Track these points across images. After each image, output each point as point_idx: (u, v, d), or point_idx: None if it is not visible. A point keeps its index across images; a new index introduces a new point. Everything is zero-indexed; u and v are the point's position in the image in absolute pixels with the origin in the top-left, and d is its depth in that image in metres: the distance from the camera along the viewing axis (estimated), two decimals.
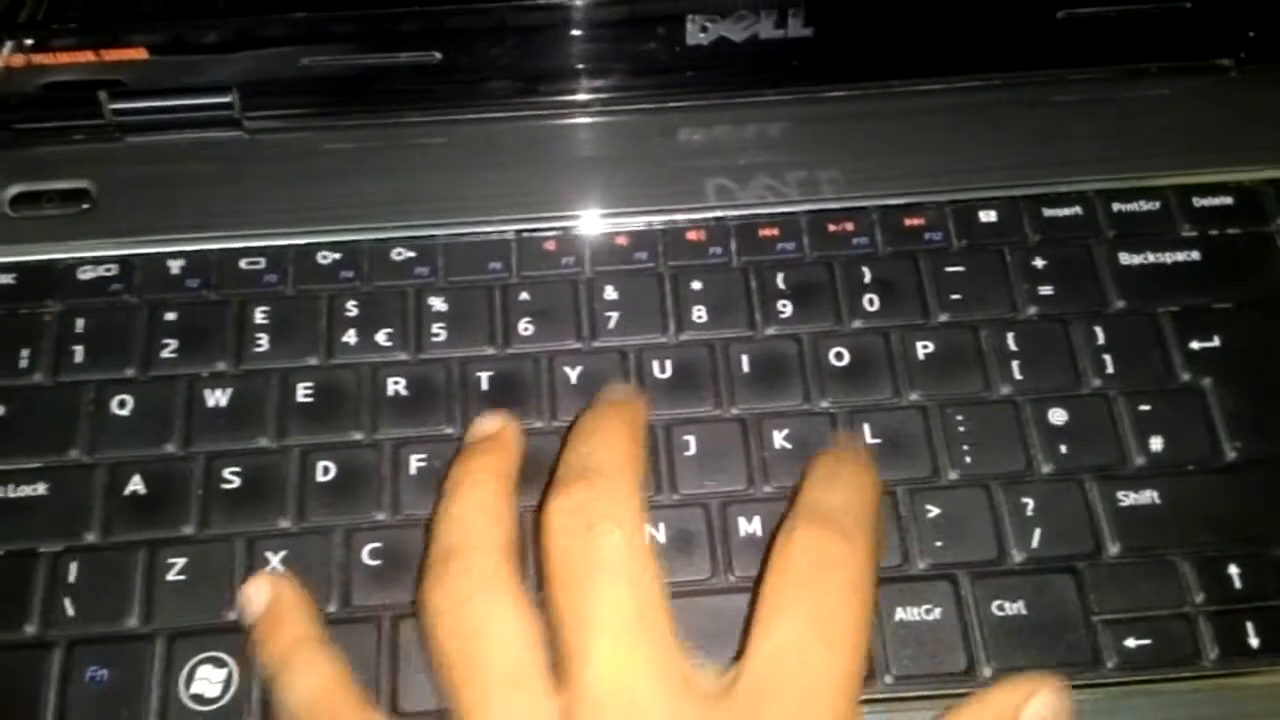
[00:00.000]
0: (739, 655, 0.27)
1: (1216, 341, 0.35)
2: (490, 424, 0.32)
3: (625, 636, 0.26)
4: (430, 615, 0.28)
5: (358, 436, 0.34)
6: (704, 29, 0.40)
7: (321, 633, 0.30)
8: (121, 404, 0.35)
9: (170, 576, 0.32)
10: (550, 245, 0.38)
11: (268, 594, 0.31)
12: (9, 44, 0.38)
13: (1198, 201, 0.38)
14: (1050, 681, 0.28)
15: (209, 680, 0.31)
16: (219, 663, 0.31)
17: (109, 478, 0.34)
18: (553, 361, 0.35)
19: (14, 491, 0.33)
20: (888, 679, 0.31)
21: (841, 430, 0.34)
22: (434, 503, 0.31)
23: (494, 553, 0.28)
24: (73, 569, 0.32)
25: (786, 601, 0.27)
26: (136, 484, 0.34)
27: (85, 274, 0.37)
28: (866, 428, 0.34)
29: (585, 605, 0.26)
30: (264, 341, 0.36)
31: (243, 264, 0.37)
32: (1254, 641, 0.31)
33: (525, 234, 0.38)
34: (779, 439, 0.34)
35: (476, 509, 0.29)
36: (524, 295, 0.37)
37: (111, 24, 0.39)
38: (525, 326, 0.36)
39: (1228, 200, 0.38)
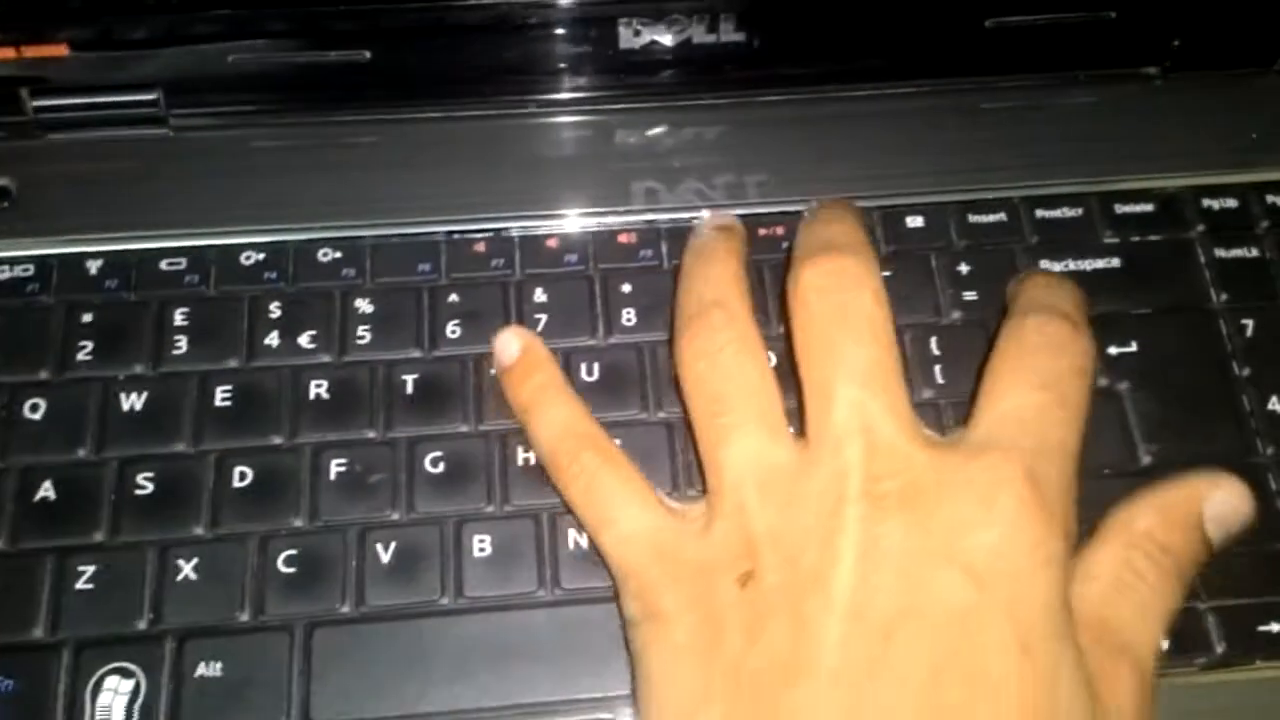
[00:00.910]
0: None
1: (1134, 347, 0.36)
2: (725, 218, 0.35)
3: (870, 384, 0.28)
4: (686, 363, 0.31)
5: (277, 441, 0.34)
6: (637, 32, 0.39)
7: (565, 380, 0.33)
8: (34, 407, 0.34)
9: (79, 585, 0.32)
10: (480, 247, 0.37)
11: (519, 344, 0.34)
12: None
13: (1119, 208, 0.38)
14: (1231, 476, 0.29)
15: (116, 691, 0.30)
16: (127, 673, 0.31)
17: (19, 483, 0.33)
18: (480, 364, 0.35)
19: None
20: None
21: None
22: (678, 275, 0.33)
23: (747, 313, 0.31)
24: None
25: (1021, 370, 0.29)
26: (47, 489, 0.33)
27: (0, 274, 0.36)
28: (792, 431, 0.34)
29: (834, 355, 0.29)
30: (183, 344, 0.35)
31: (163, 264, 0.37)
32: (1163, 644, 0.31)
33: (455, 235, 0.38)
34: None
35: (731, 274, 0.32)
36: (453, 297, 0.36)
37: (33, 20, 0.38)
38: (453, 329, 0.36)
39: (1149, 207, 0.38)
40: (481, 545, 0.33)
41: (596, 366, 0.35)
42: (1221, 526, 0.28)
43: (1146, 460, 0.34)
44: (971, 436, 0.28)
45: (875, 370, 0.28)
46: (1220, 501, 0.28)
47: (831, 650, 0.26)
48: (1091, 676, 0.26)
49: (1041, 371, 0.29)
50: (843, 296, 0.29)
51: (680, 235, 0.37)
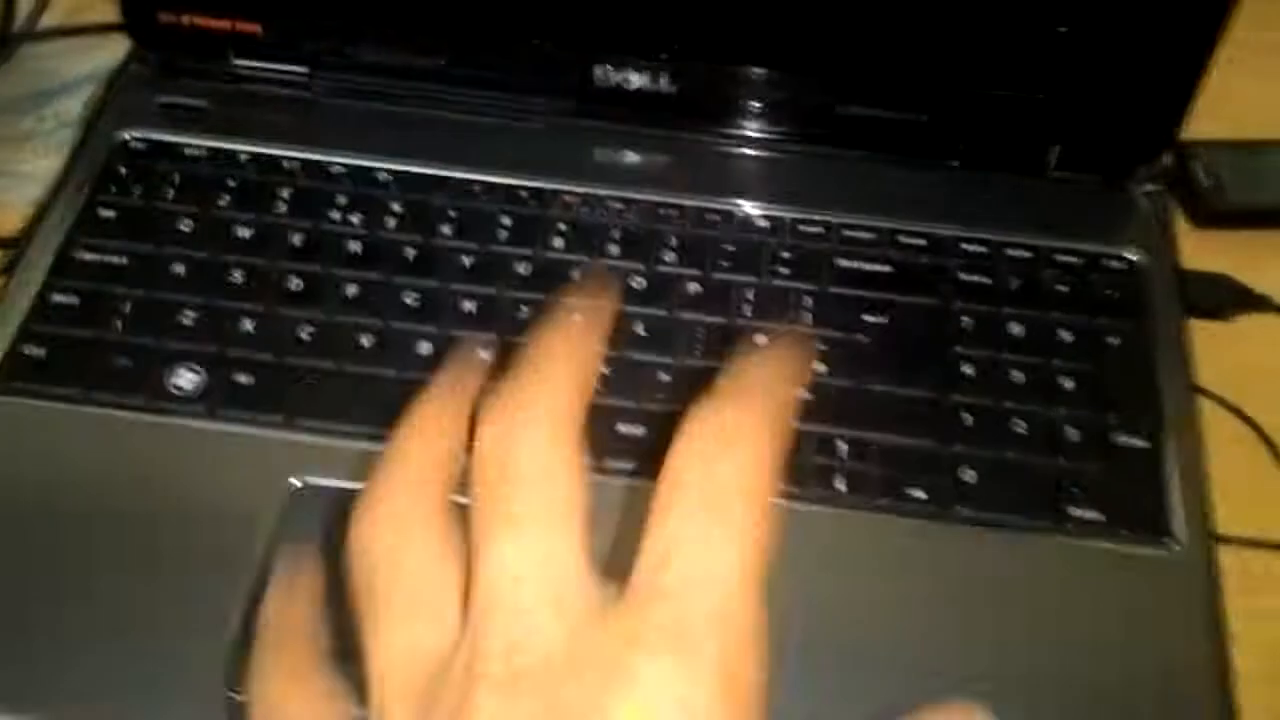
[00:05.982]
0: None
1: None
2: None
3: (525, 537, 0.24)
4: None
5: None
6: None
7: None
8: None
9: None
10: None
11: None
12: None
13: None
14: (978, 708, 0.27)
15: None
16: None
17: None
18: None
19: None
20: None
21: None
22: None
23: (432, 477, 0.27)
24: None
25: (681, 484, 0.24)
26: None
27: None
28: None
29: (493, 512, 0.25)
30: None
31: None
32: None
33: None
34: None
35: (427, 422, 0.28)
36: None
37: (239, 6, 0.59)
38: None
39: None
40: None
41: None
42: None
43: None
44: (630, 588, 0.23)
45: (536, 522, 0.24)
46: None
47: None
48: None
49: (701, 479, 0.23)
50: (510, 445, 0.25)
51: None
